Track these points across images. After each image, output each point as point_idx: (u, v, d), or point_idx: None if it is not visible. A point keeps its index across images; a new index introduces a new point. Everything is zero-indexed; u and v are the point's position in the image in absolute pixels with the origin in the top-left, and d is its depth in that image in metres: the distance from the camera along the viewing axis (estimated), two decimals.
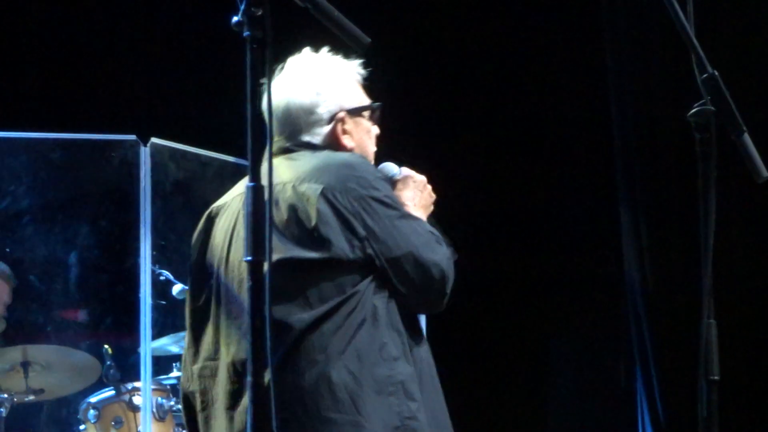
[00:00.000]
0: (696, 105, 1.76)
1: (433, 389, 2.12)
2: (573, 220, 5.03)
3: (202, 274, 2.23)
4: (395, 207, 2.09)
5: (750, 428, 4.23)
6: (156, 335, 4.11)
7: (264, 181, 1.46)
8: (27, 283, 4.59)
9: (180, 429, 4.13)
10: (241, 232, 2.09)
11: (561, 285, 5.17)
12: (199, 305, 2.22)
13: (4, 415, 4.00)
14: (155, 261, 4.11)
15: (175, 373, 4.29)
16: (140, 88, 5.15)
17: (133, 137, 4.05)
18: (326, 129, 2.20)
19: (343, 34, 1.72)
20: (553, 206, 5.08)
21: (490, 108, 5.11)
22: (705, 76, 1.79)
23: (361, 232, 2.02)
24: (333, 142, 2.20)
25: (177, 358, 4.30)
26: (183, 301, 4.04)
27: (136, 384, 4.08)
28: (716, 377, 1.76)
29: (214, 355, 2.17)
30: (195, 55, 4.93)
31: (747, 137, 1.80)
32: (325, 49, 2.24)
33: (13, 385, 4.11)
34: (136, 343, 4.11)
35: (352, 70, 2.25)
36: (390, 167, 2.27)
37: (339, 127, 2.19)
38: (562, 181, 5.21)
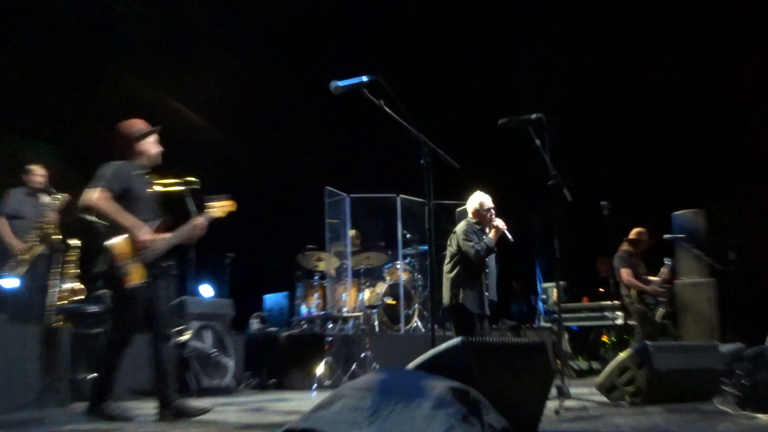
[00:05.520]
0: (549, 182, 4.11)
1: None
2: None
3: None
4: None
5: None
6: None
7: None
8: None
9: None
10: None
11: None
12: None
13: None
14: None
15: None
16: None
17: (393, 195, 6.49)
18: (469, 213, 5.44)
19: (444, 159, 3.39)
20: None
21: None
22: (550, 183, 4.12)
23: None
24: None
25: None
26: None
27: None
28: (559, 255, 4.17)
29: None
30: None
31: (566, 191, 4.17)
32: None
33: None
34: None
35: (487, 199, 5.27)
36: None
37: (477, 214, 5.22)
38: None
